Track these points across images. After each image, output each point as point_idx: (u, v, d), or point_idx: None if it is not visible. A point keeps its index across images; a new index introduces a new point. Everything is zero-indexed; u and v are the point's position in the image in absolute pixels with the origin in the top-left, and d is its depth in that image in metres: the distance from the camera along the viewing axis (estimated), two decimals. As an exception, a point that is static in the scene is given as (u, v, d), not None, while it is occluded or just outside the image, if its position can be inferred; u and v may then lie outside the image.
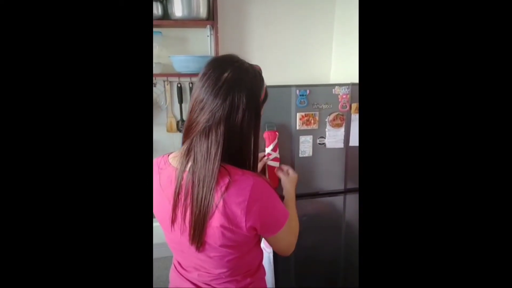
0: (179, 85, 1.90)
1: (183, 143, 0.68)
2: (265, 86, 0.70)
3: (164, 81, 1.89)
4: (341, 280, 1.55)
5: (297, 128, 1.30)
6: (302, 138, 1.32)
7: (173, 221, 0.67)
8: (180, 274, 0.77)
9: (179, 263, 0.78)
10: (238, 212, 0.61)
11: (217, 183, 0.61)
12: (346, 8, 1.94)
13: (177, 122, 1.98)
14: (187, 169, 0.64)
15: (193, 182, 0.62)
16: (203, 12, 1.73)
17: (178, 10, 1.69)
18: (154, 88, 1.89)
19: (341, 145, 1.37)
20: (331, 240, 1.49)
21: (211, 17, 1.79)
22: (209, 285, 0.72)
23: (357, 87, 1.33)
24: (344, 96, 1.32)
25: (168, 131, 1.98)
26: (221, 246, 0.65)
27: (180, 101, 1.93)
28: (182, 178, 0.65)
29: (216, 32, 1.78)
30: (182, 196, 0.64)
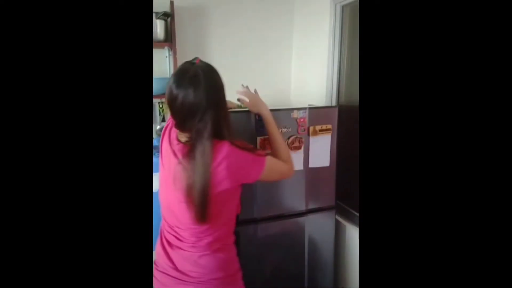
0: (136, 106, 1.84)
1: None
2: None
3: (120, 103, 1.82)
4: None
5: (258, 152, 1.31)
6: (263, 162, 1.33)
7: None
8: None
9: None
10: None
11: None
12: (303, 31, 2.02)
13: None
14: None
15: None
16: (160, 33, 1.70)
17: (134, 31, 1.65)
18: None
19: (300, 167, 1.40)
20: (295, 257, 1.50)
21: (169, 39, 1.77)
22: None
23: (314, 111, 1.38)
24: (302, 120, 1.36)
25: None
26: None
27: (138, 123, 1.86)
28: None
29: (175, 53, 1.76)
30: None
